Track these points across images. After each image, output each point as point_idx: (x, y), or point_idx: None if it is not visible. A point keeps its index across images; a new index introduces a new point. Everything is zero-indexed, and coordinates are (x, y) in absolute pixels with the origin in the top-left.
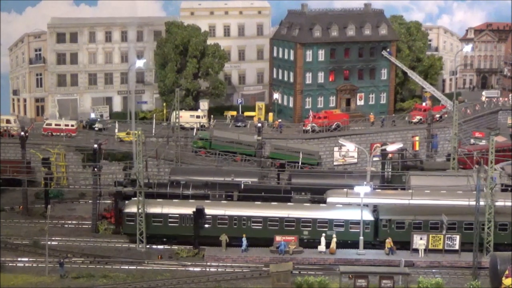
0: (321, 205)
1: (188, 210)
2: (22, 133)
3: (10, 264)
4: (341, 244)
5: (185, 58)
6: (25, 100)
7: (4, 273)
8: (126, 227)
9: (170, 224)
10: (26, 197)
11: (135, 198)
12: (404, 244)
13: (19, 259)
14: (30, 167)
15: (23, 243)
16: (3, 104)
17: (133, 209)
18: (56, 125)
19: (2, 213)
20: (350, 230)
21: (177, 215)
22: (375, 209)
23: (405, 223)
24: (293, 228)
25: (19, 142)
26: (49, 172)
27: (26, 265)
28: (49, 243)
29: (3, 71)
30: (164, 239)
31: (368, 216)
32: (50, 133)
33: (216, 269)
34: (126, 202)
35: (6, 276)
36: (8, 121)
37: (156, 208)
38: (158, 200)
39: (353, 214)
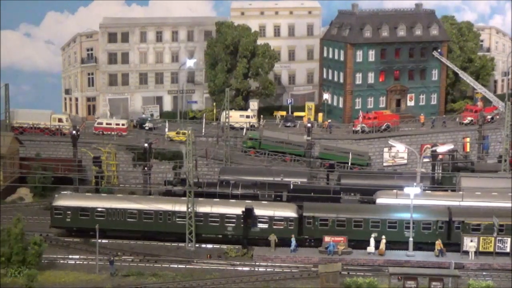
0: (247, 201)
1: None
2: (74, 132)
3: (61, 262)
4: (267, 242)
5: (235, 58)
6: (76, 99)
7: (56, 270)
8: (54, 220)
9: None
10: None
11: (64, 192)
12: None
13: (70, 256)
14: (81, 165)
15: (74, 241)
16: (55, 103)
17: (61, 202)
18: (107, 124)
19: None
20: (274, 227)
21: (104, 209)
22: (300, 206)
23: (329, 220)
24: (217, 224)
25: (70, 140)
26: (100, 170)
27: (77, 262)
28: (99, 241)
29: (56, 70)
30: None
31: (291, 213)
32: (101, 132)
33: (264, 269)
34: (56, 195)
35: (57, 273)
36: (60, 120)
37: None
38: (87, 194)
39: (279, 212)
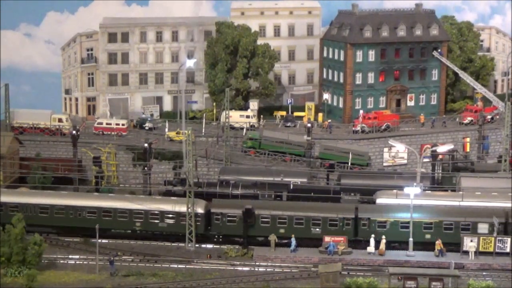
0: (154, 197)
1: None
2: (74, 132)
3: (61, 262)
4: (170, 237)
5: (235, 58)
6: (76, 99)
7: (56, 270)
8: None
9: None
10: None
11: None
12: (237, 237)
13: (70, 256)
14: (81, 165)
15: (74, 241)
16: (55, 103)
17: None
18: (107, 124)
19: None
20: (182, 223)
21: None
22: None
23: (237, 216)
24: (125, 219)
25: (70, 140)
26: (100, 170)
27: (77, 262)
28: (99, 241)
29: (56, 70)
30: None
31: (198, 209)
32: (101, 132)
33: (264, 269)
34: None
35: (57, 273)
36: (60, 120)
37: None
38: (3, 190)
39: (183, 207)
